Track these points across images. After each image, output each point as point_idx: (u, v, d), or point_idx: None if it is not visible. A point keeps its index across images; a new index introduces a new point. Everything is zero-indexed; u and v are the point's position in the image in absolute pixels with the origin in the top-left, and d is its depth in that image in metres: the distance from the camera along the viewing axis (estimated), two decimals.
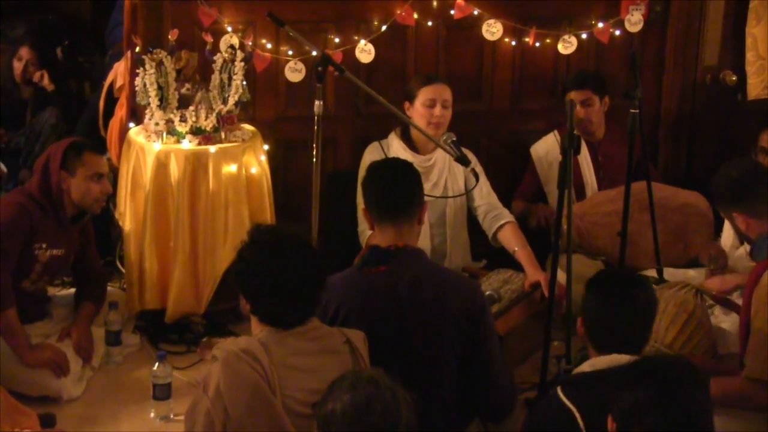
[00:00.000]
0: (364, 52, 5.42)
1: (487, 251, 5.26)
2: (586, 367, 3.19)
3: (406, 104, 5.08)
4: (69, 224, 4.56)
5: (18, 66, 6.29)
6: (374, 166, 3.83)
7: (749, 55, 5.95)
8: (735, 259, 4.93)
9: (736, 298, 4.48)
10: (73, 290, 4.89)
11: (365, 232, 4.84)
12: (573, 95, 5.31)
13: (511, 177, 5.66)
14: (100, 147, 4.75)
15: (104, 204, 4.68)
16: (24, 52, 6.29)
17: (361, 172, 4.92)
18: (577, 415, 2.96)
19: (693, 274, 4.86)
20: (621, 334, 3.20)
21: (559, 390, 3.06)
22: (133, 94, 5.03)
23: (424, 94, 5.03)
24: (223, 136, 4.90)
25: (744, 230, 3.97)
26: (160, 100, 4.85)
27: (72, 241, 4.63)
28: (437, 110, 5.00)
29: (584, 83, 5.39)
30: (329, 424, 2.66)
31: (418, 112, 5.03)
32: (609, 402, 2.67)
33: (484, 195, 5.13)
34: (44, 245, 4.47)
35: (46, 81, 6.28)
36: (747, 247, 4.93)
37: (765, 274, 3.76)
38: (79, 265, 4.77)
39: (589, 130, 5.43)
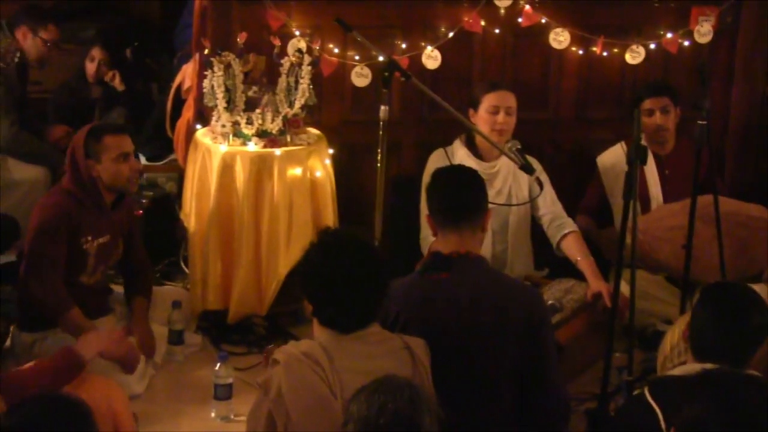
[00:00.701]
0: (431, 58, 5.43)
1: (550, 260, 5.23)
2: (677, 371, 3.19)
3: (471, 111, 5.07)
4: (110, 210, 4.58)
5: (91, 66, 6.37)
6: (439, 172, 3.82)
7: None
8: None
9: None
10: None
11: (428, 238, 4.84)
12: (649, 103, 5.30)
13: (576, 186, 5.63)
14: (121, 128, 4.71)
15: (138, 182, 4.66)
16: (96, 52, 6.37)
17: (426, 179, 4.91)
18: (660, 415, 2.95)
19: (756, 289, 4.79)
20: (724, 348, 3.17)
21: (646, 390, 3.06)
22: (200, 95, 5.08)
23: (488, 101, 5.02)
24: (288, 140, 4.93)
25: None
26: (227, 102, 4.89)
27: (117, 227, 4.65)
28: (501, 117, 4.99)
29: (662, 91, 5.36)
30: (347, 423, 2.70)
31: (481, 118, 5.02)
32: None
33: (549, 204, 5.11)
34: (90, 237, 4.50)
35: (117, 81, 6.36)
36: None
37: None
38: (125, 257, 4.78)
39: (664, 138, 5.39)
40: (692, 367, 3.14)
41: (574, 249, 4.98)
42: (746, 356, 3.22)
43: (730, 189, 5.68)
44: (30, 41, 6.00)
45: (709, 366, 3.06)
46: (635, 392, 3.23)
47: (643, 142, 4.12)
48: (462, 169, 3.95)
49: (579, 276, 4.90)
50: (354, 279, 3.15)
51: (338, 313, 3.19)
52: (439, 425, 2.73)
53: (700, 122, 4.43)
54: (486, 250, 4.71)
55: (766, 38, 5.86)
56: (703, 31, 5.65)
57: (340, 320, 3.19)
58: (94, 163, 4.46)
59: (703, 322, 3.24)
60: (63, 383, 3.54)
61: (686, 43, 5.68)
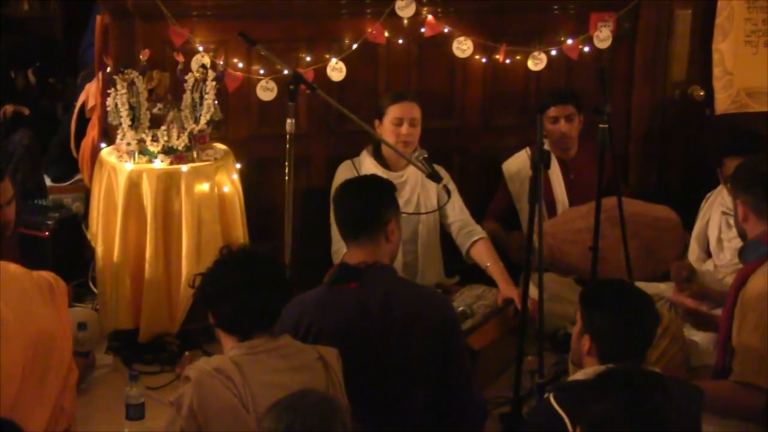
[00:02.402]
0: (336, 70, 5.44)
1: (461, 267, 5.27)
2: (580, 375, 3.22)
3: (376, 122, 5.10)
4: None
5: None
6: (342, 185, 3.87)
7: (716, 71, 6.01)
8: (702, 272, 4.97)
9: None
10: None
11: (340, 251, 4.82)
12: (554, 111, 5.38)
13: (484, 193, 5.68)
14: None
15: (11, 228, 4.39)
16: None
17: (334, 191, 4.94)
18: (568, 422, 2.98)
19: (664, 288, 4.89)
20: (632, 346, 3.24)
21: (551, 396, 3.08)
22: (104, 114, 5.03)
23: (392, 112, 5.05)
24: (195, 155, 4.89)
25: (740, 221, 3.96)
26: (132, 120, 4.85)
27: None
28: (404, 129, 5.02)
29: (567, 99, 5.44)
30: None
31: (387, 129, 5.05)
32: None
33: (457, 212, 5.15)
34: None
35: (9, 111, 6.27)
36: (715, 261, 4.99)
37: (751, 278, 3.73)
38: None
39: (568, 146, 5.48)
40: (594, 370, 3.17)
41: (483, 255, 5.03)
42: (647, 347, 3.30)
43: (634, 192, 5.78)
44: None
45: (610, 366, 3.11)
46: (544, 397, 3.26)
47: (547, 147, 4.18)
48: (363, 180, 4.00)
49: (490, 283, 4.94)
50: (250, 280, 3.20)
51: (237, 313, 3.21)
52: None
53: (602, 126, 4.50)
54: (396, 259, 4.72)
55: (664, 43, 5.98)
56: (603, 37, 5.73)
57: (239, 321, 3.22)
58: None
59: (605, 327, 3.25)
60: None
61: (587, 49, 5.75)
